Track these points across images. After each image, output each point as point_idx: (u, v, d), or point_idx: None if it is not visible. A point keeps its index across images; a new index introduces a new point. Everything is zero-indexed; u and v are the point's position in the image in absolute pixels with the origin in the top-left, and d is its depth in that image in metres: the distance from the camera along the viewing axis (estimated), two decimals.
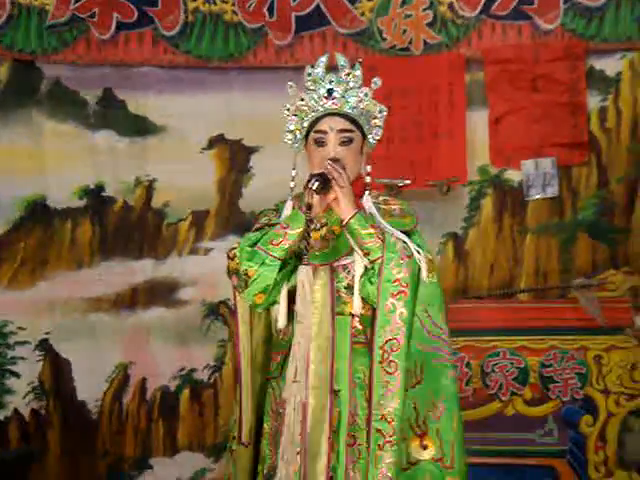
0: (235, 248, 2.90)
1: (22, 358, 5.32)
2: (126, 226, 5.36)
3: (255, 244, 2.87)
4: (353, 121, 2.95)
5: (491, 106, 5.17)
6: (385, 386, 2.78)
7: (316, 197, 2.80)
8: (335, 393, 2.86)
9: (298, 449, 2.79)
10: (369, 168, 3.00)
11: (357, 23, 5.24)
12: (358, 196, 2.94)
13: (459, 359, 4.73)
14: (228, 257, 2.90)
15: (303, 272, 2.80)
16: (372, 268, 2.83)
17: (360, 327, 2.89)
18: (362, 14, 5.24)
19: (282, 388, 2.91)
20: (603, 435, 4.78)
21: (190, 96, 5.27)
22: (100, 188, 5.35)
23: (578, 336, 4.79)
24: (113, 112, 5.35)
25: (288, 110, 2.98)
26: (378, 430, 2.77)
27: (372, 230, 2.84)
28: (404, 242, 2.86)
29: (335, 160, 2.88)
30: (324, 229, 2.95)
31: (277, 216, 2.99)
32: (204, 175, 5.32)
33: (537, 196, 5.15)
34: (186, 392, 5.33)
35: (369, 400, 2.82)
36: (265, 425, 2.98)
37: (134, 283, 5.35)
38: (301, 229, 2.83)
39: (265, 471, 2.95)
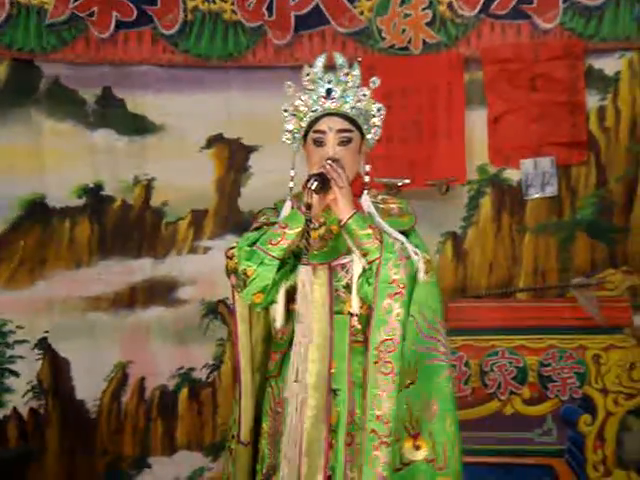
0: (234, 247, 2.90)
1: (21, 357, 5.31)
2: (125, 225, 5.36)
3: (254, 244, 2.88)
4: (352, 121, 2.95)
5: (490, 105, 5.17)
6: (380, 386, 2.78)
7: (315, 197, 2.80)
8: (334, 392, 2.86)
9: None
10: (368, 167, 3.00)
11: (356, 22, 5.23)
12: (357, 195, 2.94)
13: (458, 358, 4.74)
14: (227, 256, 2.90)
15: (303, 272, 2.80)
16: (370, 269, 2.83)
17: (359, 326, 2.90)
18: (361, 13, 5.24)
19: (281, 387, 2.92)
20: (602, 434, 4.78)
21: (189, 95, 5.27)
22: (99, 187, 5.35)
23: (577, 335, 4.80)
24: (112, 111, 5.34)
25: (286, 110, 2.98)
26: (373, 430, 2.77)
27: (370, 231, 2.84)
28: (402, 243, 2.86)
29: (334, 160, 2.88)
30: (323, 228, 2.95)
31: (276, 215, 2.99)
32: (203, 174, 5.31)
33: (536, 195, 5.15)
34: (185, 391, 5.32)
35: (364, 400, 2.82)
36: (264, 424, 2.99)
37: (133, 282, 5.34)
38: (300, 229, 2.83)
39: (264, 470, 2.96)
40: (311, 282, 2.81)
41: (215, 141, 5.34)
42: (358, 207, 2.90)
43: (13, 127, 5.28)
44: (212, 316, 5.29)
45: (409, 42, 5.21)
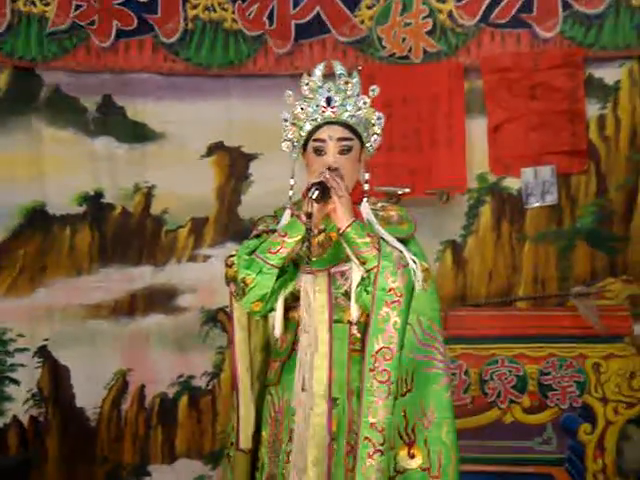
0: (233, 256, 2.90)
1: (21, 365, 5.32)
2: (125, 233, 5.36)
3: (253, 252, 2.87)
4: (352, 129, 2.95)
5: (490, 114, 5.18)
6: (375, 394, 2.78)
7: (315, 206, 2.80)
8: (334, 401, 2.86)
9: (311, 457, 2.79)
10: (367, 176, 3.00)
11: (357, 31, 5.25)
12: (356, 203, 2.94)
13: (457, 367, 4.73)
14: (226, 265, 2.90)
15: (306, 280, 2.80)
16: (368, 277, 2.83)
17: (358, 335, 2.89)
18: (362, 22, 5.25)
19: (280, 396, 2.92)
20: (602, 443, 4.77)
21: (189, 103, 5.28)
22: (99, 195, 5.36)
23: (577, 344, 4.79)
24: (112, 119, 5.36)
25: (286, 119, 2.98)
26: (367, 438, 2.76)
27: (368, 239, 2.83)
28: (400, 251, 2.86)
29: (333, 169, 2.88)
30: (322, 235, 2.95)
31: (275, 223, 2.99)
32: (203, 182, 5.32)
33: (536, 204, 5.15)
34: (184, 399, 5.32)
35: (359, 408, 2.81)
36: (263, 433, 2.98)
37: (133, 290, 5.35)
38: (299, 237, 2.83)
39: (263, 478, 2.95)
40: (314, 290, 2.82)
41: (215, 149, 5.35)
42: (357, 215, 2.90)
43: (14, 135, 5.30)
44: (212, 324, 5.29)
45: (409, 51, 5.22)
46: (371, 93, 2.99)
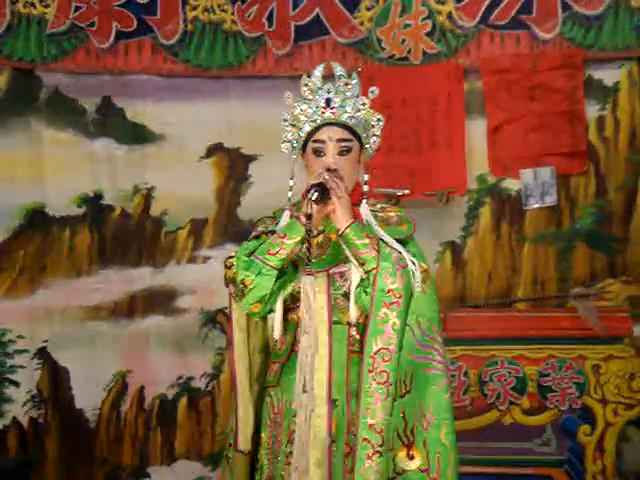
0: (232, 257, 2.90)
1: (21, 367, 5.32)
2: (124, 234, 5.37)
3: (252, 253, 2.87)
4: (351, 130, 2.95)
5: (489, 115, 5.18)
6: (374, 395, 2.77)
7: (315, 207, 2.80)
8: (333, 402, 2.86)
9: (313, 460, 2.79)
10: (367, 177, 3.00)
11: (356, 33, 5.25)
12: (356, 205, 2.94)
13: (457, 368, 4.73)
14: (225, 266, 2.90)
15: (306, 282, 2.81)
16: (367, 278, 2.83)
17: (357, 336, 2.89)
18: (361, 24, 5.25)
19: (279, 397, 2.92)
20: (601, 445, 4.77)
21: (189, 104, 5.28)
22: (99, 196, 5.36)
23: (576, 345, 4.79)
24: (112, 120, 5.36)
25: (285, 120, 2.98)
26: (365, 439, 2.76)
27: (367, 240, 2.83)
28: (399, 252, 2.86)
29: (332, 170, 2.88)
30: (321, 236, 2.95)
31: (275, 224, 2.99)
32: (203, 183, 5.32)
33: (536, 205, 5.15)
34: (184, 400, 5.32)
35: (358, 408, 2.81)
36: (263, 434, 2.97)
37: (132, 291, 5.35)
38: (298, 238, 2.83)
39: None
40: (315, 292, 2.82)
41: (215, 150, 5.35)
42: (357, 216, 2.90)
43: (13, 136, 5.30)
44: (211, 325, 5.29)
45: (409, 52, 5.22)
46: (370, 94, 2.99)
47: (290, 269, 2.90)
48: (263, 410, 2.98)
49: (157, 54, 5.31)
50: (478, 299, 5.16)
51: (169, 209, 5.35)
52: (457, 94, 5.20)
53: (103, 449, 5.34)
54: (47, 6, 5.29)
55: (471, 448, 4.44)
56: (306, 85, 2.96)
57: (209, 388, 5.30)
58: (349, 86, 2.95)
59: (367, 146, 3.00)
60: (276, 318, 2.91)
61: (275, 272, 2.83)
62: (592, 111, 5.15)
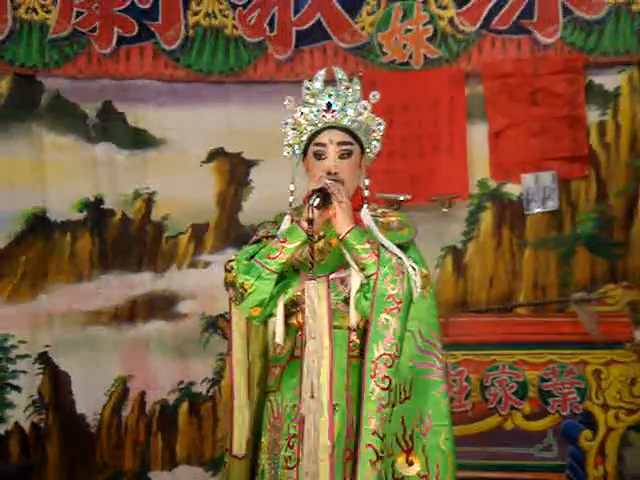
0: (232, 260, 2.90)
1: (23, 372, 5.32)
2: (125, 239, 5.37)
3: (252, 257, 2.87)
4: (352, 134, 2.95)
5: (490, 120, 5.18)
6: (377, 401, 2.77)
7: (316, 212, 2.80)
8: (334, 407, 2.85)
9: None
10: (368, 181, 3.00)
11: (357, 37, 5.25)
12: (356, 209, 2.94)
13: (458, 373, 4.73)
14: (225, 269, 2.90)
15: (310, 287, 2.80)
16: (367, 283, 2.83)
17: (357, 341, 2.89)
18: (362, 28, 5.25)
19: (279, 401, 2.91)
20: (602, 450, 4.77)
21: (190, 109, 5.28)
22: (100, 201, 5.36)
23: (577, 350, 4.79)
24: (113, 125, 5.36)
25: (287, 124, 2.98)
26: (369, 445, 2.75)
27: (368, 245, 2.83)
28: (399, 257, 2.86)
29: (332, 174, 2.88)
30: (322, 241, 2.95)
31: (276, 228, 2.99)
32: (204, 188, 5.32)
33: (537, 210, 5.15)
34: (185, 405, 5.32)
35: (359, 414, 2.80)
36: (263, 439, 2.97)
37: (133, 296, 5.35)
38: (298, 243, 2.83)
39: None
40: (319, 297, 2.81)
41: (216, 155, 5.35)
42: (358, 221, 2.90)
43: (15, 141, 5.31)
44: (212, 330, 5.29)
45: (410, 57, 5.22)
46: (372, 99, 2.99)
47: (290, 274, 2.90)
48: (263, 415, 2.98)
49: (158, 59, 5.32)
50: (479, 304, 5.15)
51: (170, 214, 5.35)
52: (458, 99, 5.20)
53: (104, 454, 5.33)
54: (49, 12, 5.30)
55: (472, 453, 4.45)
56: (308, 89, 2.97)
57: (210, 393, 5.29)
58: (350, 90, 2.96)
59: (368, 151, 3.00)
60: (278, 323, 2.90)
61: (275, 276, 2.83)
62: (593, 116, 5.15)
